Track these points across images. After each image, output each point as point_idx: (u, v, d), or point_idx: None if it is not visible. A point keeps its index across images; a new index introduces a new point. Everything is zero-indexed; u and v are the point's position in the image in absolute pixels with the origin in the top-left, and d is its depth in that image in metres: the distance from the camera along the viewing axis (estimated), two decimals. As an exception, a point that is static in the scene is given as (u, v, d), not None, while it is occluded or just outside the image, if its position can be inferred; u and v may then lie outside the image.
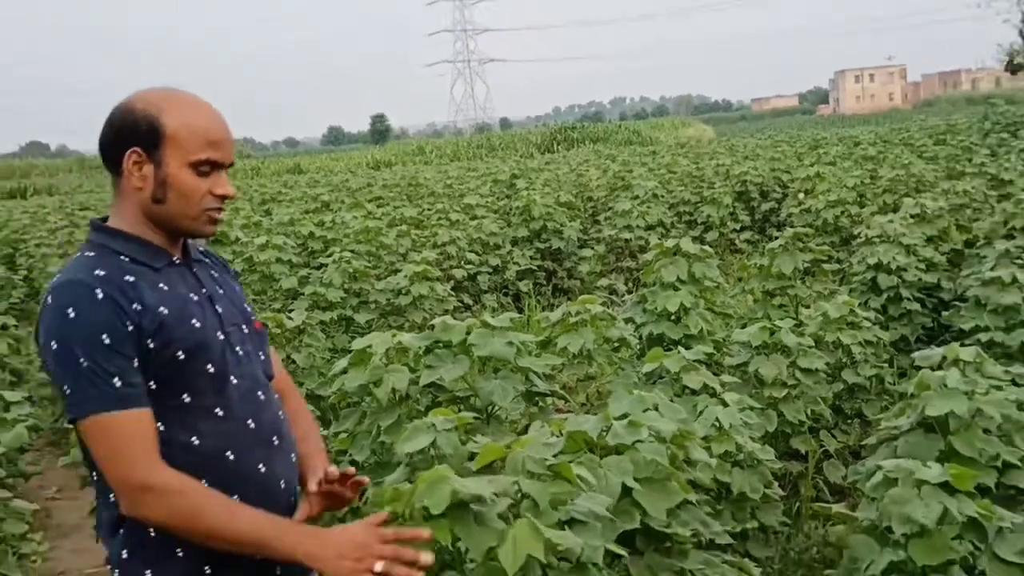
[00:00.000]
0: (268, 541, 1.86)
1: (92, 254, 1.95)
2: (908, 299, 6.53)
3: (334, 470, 2.11)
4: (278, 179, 31.57)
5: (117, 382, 1.84)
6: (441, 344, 3.86)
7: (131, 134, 1.95)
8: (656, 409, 3.07)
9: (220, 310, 2.04)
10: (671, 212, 12.43)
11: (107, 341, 1.84)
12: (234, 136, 2.09)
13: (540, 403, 4.02)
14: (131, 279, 1.91)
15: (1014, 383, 3.63)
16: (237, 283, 2.23)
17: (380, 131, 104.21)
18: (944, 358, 3.74)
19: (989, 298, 5.41)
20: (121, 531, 1.94)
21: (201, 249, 2.20)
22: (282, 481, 2.04)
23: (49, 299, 1.88)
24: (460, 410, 3.55)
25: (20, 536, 4.48)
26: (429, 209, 12.77)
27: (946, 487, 2.65)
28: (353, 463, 3.46)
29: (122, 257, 1.95)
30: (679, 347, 4.49)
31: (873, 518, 2.77)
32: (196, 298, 2.00)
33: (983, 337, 5.20)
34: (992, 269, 5.63)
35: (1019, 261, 5.74)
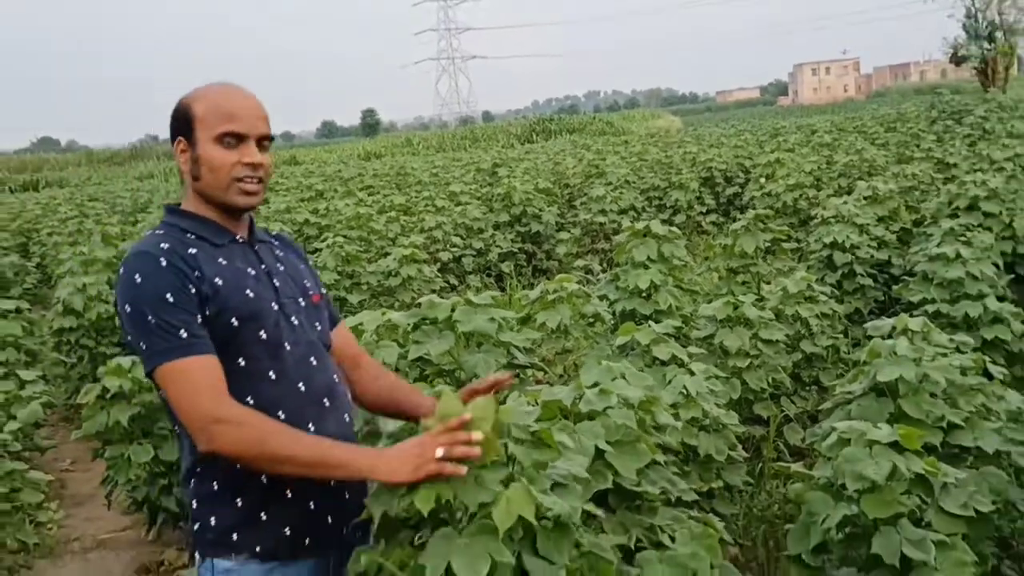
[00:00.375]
0: (329, 459, 1.91)
1: (161, 231, 2.08)
2: (861, 275, 6.56)
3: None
4: (275, 170, 31.36)
5: (183, 333, 1.93)
6: (428, 321, 3.86)
7: (176, 125, 2.09)
8: (623, 378, 3.07)
9: (277, 284, 2.13)
10: (642, 197, 12.44)
11: (171, 299, 1.94)
12: (266, 112, 2.13)
13: (520, 375, 4.02)
14: (193, 251, 2.02)
15: (958, 350, 3.65)
16: (303, 262, 2.32)
17: (370, 124, 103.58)
18: (894, 328, 3.76)
19: (935, 272, 5.43)
20: (192, 481, 2.05)
21: (274, 233, 2.33)
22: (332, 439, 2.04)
23: (122, 270, 2.00)
24: (446, 382, 3.55)
25: (36, 505, 4.45)
26: (416, 196, 12.75)
27: (895, 446, 2.66)
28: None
29: (188, 234, 2.06)
30: (649, 321, 4.49)
31: (828, 476, 2.78)
32: (253, 272, 2.09)
33: (930, 309, 5.22)
34: (938, 246, 5.65)
35: (963, 239, 5.76)
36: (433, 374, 3.78)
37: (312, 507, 2.06)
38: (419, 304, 3.94)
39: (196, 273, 1.98)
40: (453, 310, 3.84)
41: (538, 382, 4.54)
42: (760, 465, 4.60)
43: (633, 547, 2.69)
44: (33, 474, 4.32)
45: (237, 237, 2.13)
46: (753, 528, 4.14)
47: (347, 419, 2.17)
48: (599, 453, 2.65)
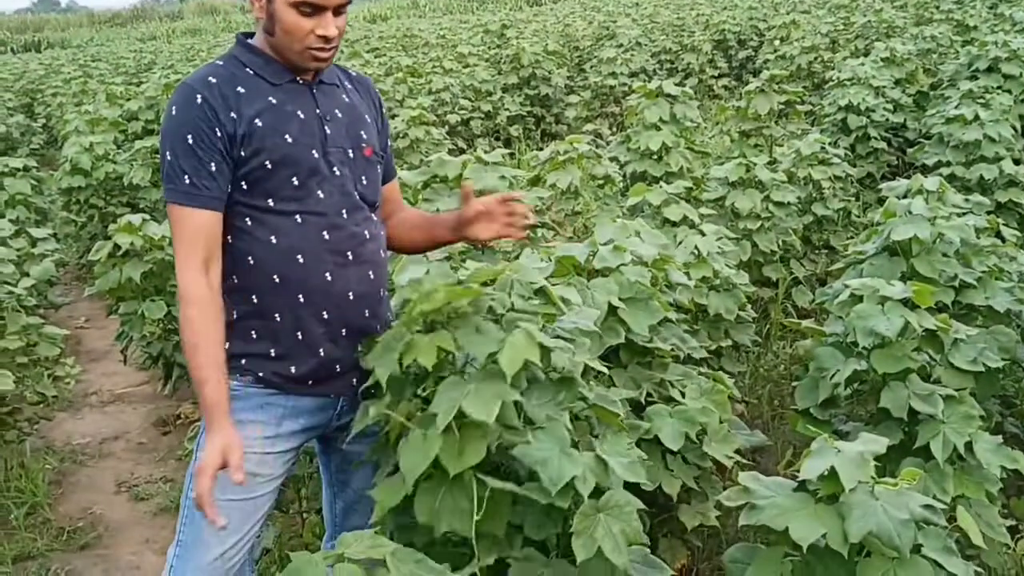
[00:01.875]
0: (199, 384, 1.96)
1: (220, 63, 2.06)
2: (875, 138, 6.44)
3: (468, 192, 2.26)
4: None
5: (187, 179, 1.95)
6: (438, 179, 3.80)
7: None
8: (638, 236, 3.04)
9: (328, 131, 2.07)
10: (653, 60, 12.14)
11: (190, 140, 1.95)
12: None
13: (531, 234, 3.98)
14: (242, 90, 2.00)
15: (972, 212, 3.60)
16: (374, 112, 2.23)
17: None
18: (909, 188, 3.70)
19: (952, 135, 5.32)
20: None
21: (355, 74, 2.27)
22: (350, 294, 2.07)
23: (171, 97, 2.03)
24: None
25: (54, 359, 4.50)
26: (424, 59, 12.44)
27: (907, 303, 2.65)
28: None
29: (247, 69, 2.04)
30: (660, 183, 4.43)
31: (839, 332, 2.79)
32: (303, 116, 2.04)
33: (944, 172, 5.13)
34: (955, 108, 5.52)
35: (981, 101, 5.62)
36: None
37: (321, 353, 2.07)
38: (428, 162, 3.87)
39: (232, 114, 1.97)
40: (464, 168, 3.77)
41: (548, 243, 4.51)
42: (768, 326, 4.62)
43: (643, 401, 2.72)
44: (49, 328, 4.35)
45: (297, 78, 2.07)
46: (759, 387, 4.19)
47: (371, 276, 2.12)
48: (612, 309, 2.64)
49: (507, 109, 10.17)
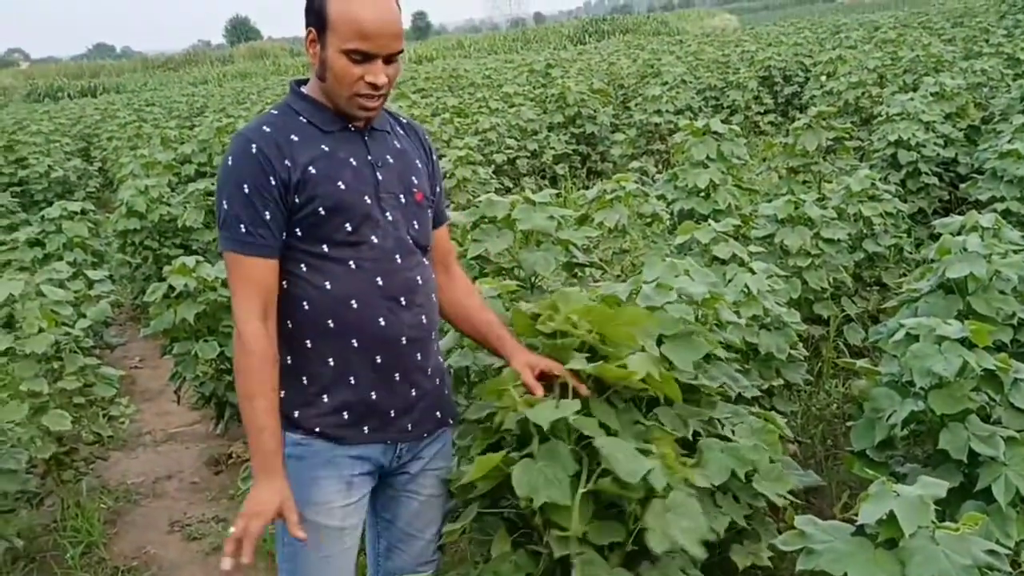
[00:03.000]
0: (251, 432, 2.01)
1: (275, 112, 2.11)
2: (926, 173, 6.36)
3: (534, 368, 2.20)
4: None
5: (242, 228, 2.00)
6: (487, 219, 3.82)
7: (310, 14, 2.04)
8: (687, 274, 3.03)
9: (380, 177, 2.10)
10: (698, 97, 12.15)
11: (246, 190, 1.99)
12: (401, 26, 2.05)
13: (579, 273, 3.99)
14: (295, 138, 2.04)
15: (1029, 248, 3.54)
16: (424, 158, 2.26)
17: (421, 28, 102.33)
18: (963, 225, 3.65)
19: (1006, 170, 5.25)
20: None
21: (405, 120, 2.29)
22: (403, 338, 2.11)
23: (228, 147, 2.09)
24: (504, 280, 3.54)
25: (109, 399, 4.58)
26: (470, 98, 12.58)
27: (965, 342, 2.60)
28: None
29: (300, 117, 2.08)
30: (708, 221, 4.42)
31: (894, 372, 2.74)
32: (355, 163, 2.08)
33: (999, 207, 5.05)
34: (1008, 142, 5.45)
35: (1035, 135, 5.54)
36: (492, 272, 3.77)
37: (373, 397, 2.10)
38: (478, 203, 3.90)
39: (286, 161, 2.01)
40: (512, 208, 3.80)
41: (596, 281, 4.51)
42: (819, 364, 4.56)
43: (691, 439, 2.69)
44: (105, 369, 4.43)
45: (350, 126, 2.11)
46: (812, 426, 4.13)
47: (423, 321, 2.15)
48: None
49: (553, 148, 10.22)
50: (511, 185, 9.45)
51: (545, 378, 2.18)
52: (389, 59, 2.03)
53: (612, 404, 2.19)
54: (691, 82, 12.53)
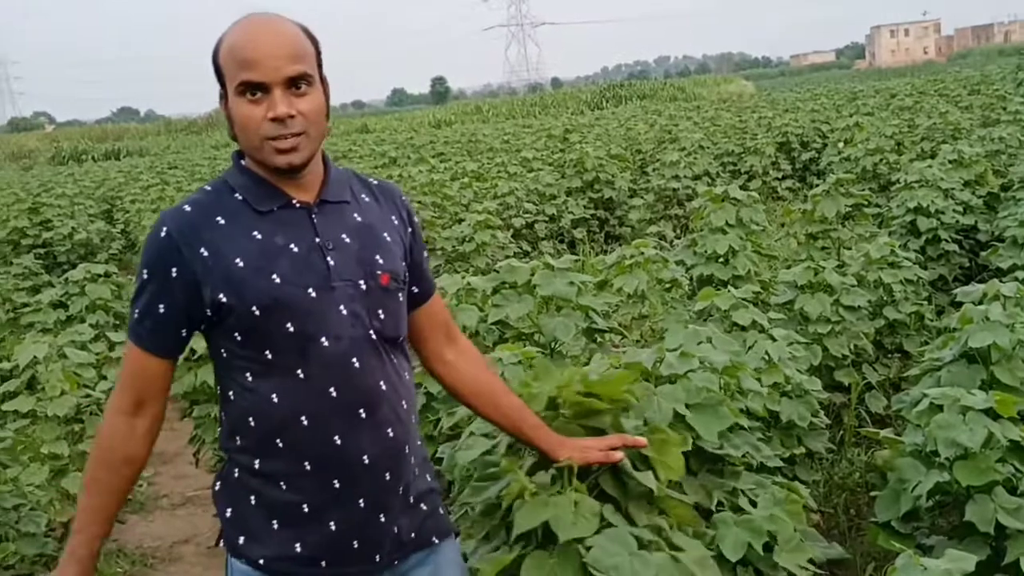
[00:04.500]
0: (72, 534, 1.84)
1: (209, 188, 1.82)
2: (946, 240, 6.38)
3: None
4: (347, 138, 31.63)
5: (136, 314, 1.77)
6: (507, 285, 3.86)
7: (215, 75, 1.78)
8: (710, 342, 3.04)
9: (331, 262, 1.76)
10: (716, 162, 12.26)
11: (145, 276, 1.75)
12: (297, 47, 1.73)
13: (599, 339, 4.01)
14: (221, 221, 1.74)
15: (1052, 317, 3.53)
16: (404, 226, 1.93)
17: (440, 92, 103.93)
18: (985, 294, 3.65)
19: (1026, 237, 5.26)
20: (223, 464, 1.91)
21: (375, 183, 1.96)
22: (365, 456, 1.77)
23: None
24: (525, 346, 3.56)
25: (128, 462, 4.60)
26: (488, 163, 12.74)
27: (990, 413, 2.60)
28: (428, 395, 3.48)
29: (235, 195, 1.78)
30: (728, 287, 4.44)
31: (919, 443, 2.73)
32: (296, 249, 1.75)
33: (1020, 275, 5.05)
34: (1029, 210, 5.47)
35: (1055, 202, 5.56)
36: (512, 337, 3.79)
37: (332, 528, 1.78)
38: (498, 268, 3.94)
39: (202, 250, 1.72)
40: (532, 274, 3.83)
41: (615, 347, 4.53)
42: (841, 432, 4.53)
43: (714, 509, 2.68)
44: (125, 432, 4.46)
45: (293, 201, 1.78)
46: (834, 495, 4.09)
47: (390, 435, 1.81)
48: (678, 416, 2.63)
49: (571, 212, 10.30)
50: (529, 249, 9.52)
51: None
52: (293, 86, 1.71)
53: (619, 479, 2.11)
54: (708, 148, 12.66)
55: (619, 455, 2.03)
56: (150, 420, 1.82)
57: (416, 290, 1.98)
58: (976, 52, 77.14)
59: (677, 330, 3.16)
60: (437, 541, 1.93)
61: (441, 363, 2.06)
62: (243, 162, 1.81)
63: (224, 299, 1.70)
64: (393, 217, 1.91)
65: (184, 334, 1.79)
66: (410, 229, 1.95)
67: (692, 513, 2.17)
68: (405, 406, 1.86)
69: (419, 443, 1.93)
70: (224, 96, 1.75)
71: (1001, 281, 3.83)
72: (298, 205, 1.78)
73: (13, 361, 4.53)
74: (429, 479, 1.96)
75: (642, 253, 4.89)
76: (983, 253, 5.95)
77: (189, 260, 1.71)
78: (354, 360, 1.77)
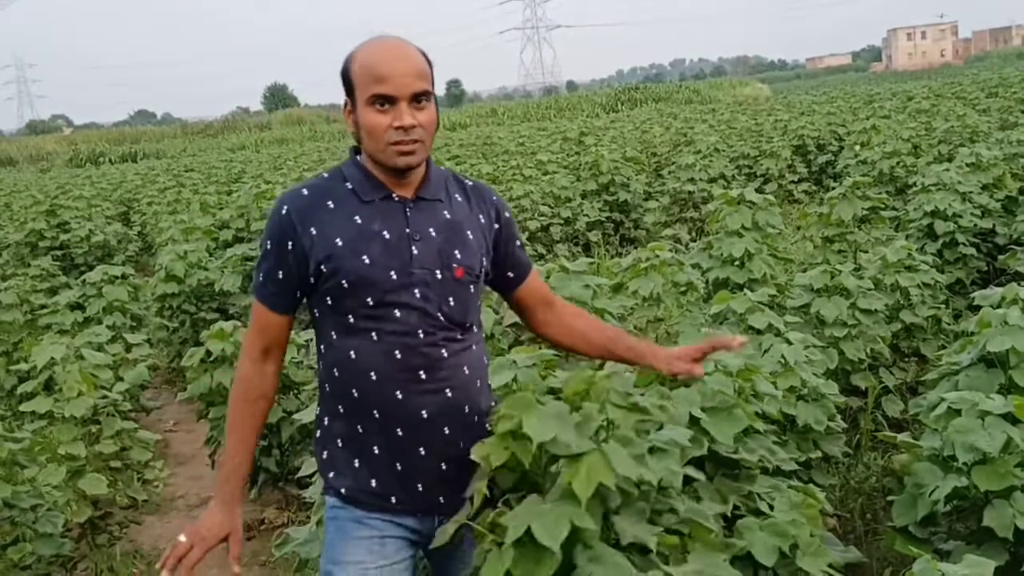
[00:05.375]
0: (225, 462, 2.17)
1: (325, 175, 2.16)
2: (964, 244, 6.34)
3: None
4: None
5: (260, 277, 2.12)
6: (522, 288, 3.85)
7: (343, 86, 2.09)
8: (725, 346, 3.02)
9: (415, 251, 2.06)
10: (732, 165, 12.22)
11: (268, 246, 2.09)
12: (421, 67, 2.05)
13: (615, 342, 3.99)
14: (331, 204, 2.08)
15: (1072, 321, 3.51)
16: (490, 223, 2.21)
17: (455, 95, 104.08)
18: (1003, 298, 3.62)
19: (1045, 241, 5.22)
20: (316, 414, 2.24)
21: (471, 183, 2.25)
22: (424, 411, 2.06)
23: None
24: (540, 349, 3.56)
25: (144, 463, 4.62)
26: (504, 166, 12.74)
27: (1009, 418, 2.58)
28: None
29: (347, 183, 2.10)
30: (744, 290, 4.43)
31: (936, 447, 2.71)
32: (388, 235, 2.06)
33: (1038, 279, 5.02)
34: (1048, 214, 5.43)
35: (1074, 206, 5.52)
36: (528, 339, 3.79)
37: (399, 468, 2.09)
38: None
39: (312, 229, 2.05)
40: (548, 277, 3.83)
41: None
42: (858, 436, 4.51)
43: (731, 514, 2.67)
44: (141, 433, 4.48)
45: (393, 195, 2.09)
46: (851, 500, 4.06)
47: (449, 395, 2.09)
48: (694, 420, 2.63)
49: (586, 215, 10.29)
50: (544, 252, 9.52)
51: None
52: (416, 101, 2.02)
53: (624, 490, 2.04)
54: (724, 150, 12.63)
55: (700, 370, 2.26)
56: (276, 364, 2.18)
57: (511, 275, 2.30)
58: (994, 55, 76.72)
59: (691, 333, 3.16)
60: None
61: (544, 325, 2.38)
62: (359, 158, 2.14)
63: (324, 269, 2.04)
64: (481, 216, 2.20)
65: (299, 295, 2.12)
66: (497, 225, 2.23)
67: (713, 537, 2.14)
68: (467, 372, 2.13)
69: (488, 405, 2.19)
70: (349, 105, 2.08)
71: (1020, 285, 3.80)
72: (396, 199, 2.10)
73: (31, 362, 4.57)
74: None
75: (657, 256, 4.88)
76: (1001, 257, 5.91)
77: (301, 235, 2.05)
78: (420, 332, 2.07)
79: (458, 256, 2.11)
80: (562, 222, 10.03)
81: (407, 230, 2.07)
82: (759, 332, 3.92)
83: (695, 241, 8.30)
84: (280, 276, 2.08)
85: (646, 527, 2.04)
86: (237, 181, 16.95)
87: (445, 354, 2.09)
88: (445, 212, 2.14)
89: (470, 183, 2.25)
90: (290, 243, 2.05)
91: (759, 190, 10.15)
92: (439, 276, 2.08)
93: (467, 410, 2.12)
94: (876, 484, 4.17)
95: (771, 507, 2.65)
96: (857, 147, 11.13)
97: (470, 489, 2.01)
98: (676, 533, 2.19)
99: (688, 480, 2.42)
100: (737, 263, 5.34)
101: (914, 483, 2.71)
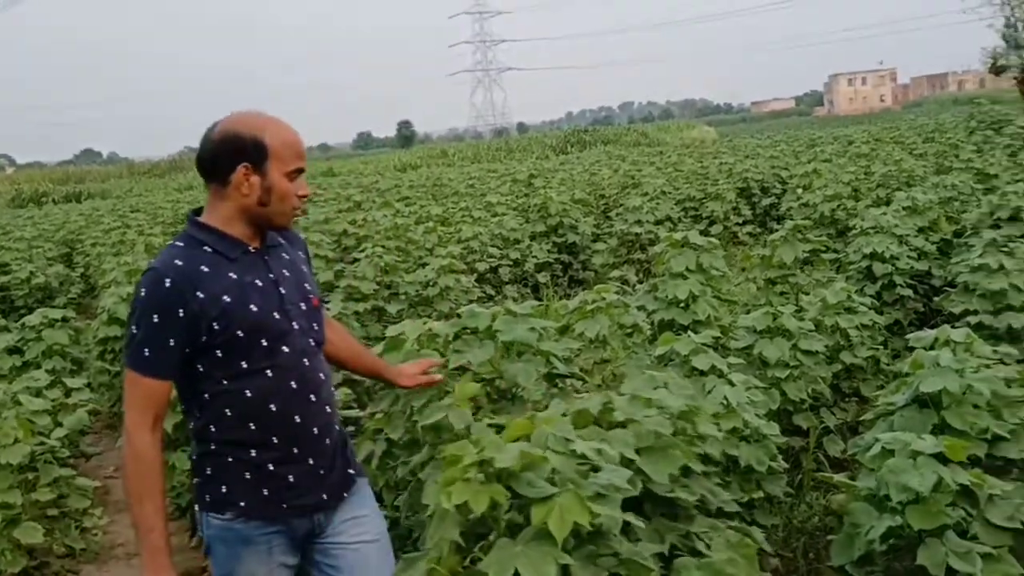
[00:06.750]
0: (147, 534, 2.26)
1: (181, 244, 2.36)
2: (901, 286, 6.49)
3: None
4: (312, 181, 31.45)
5: (146, 351, 2.26)
6: (468, 330, 3.87)
7: (240, 152, 2.33)
8: (666, 387, 3.07)
9: (283, 291, 2.39)
10: (678, 207, 12.39)
11: (155, 319, 2.25)
12: None
13: (560, 384, 4.02)
14: (205, 269, 2.29)
15: (1002, 362, 3.61)
16: (306, 262, 2.59)
17: (406, 136, 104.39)
18: (936, 339, 3.72)
19: (978, 284, 5.37)
20: (195, 441, 2.45)
21: (284, 232, 2.55)
22: (315, 428, 2.42)
23: (140, 280, 2.34)
24: (487, 391, 3.57)
25: (83, 511, 4.53)
26: (453, 207, 12.79)
27: (940, 457, 2.64)
28: (388, 441, 3.48)
29: (204, 247, 2.33)
30: (688, 332, 4.48)
31: (872, 487, 2.77)
32: (261, 284, 2.36)
33: (972, 320, 5.16)
34: (980, 256, 5.59)
35: (1005, 249, 5.69)
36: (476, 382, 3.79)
37: (291, 479, 2.40)
38: (459, 313, 3.95)
39: (199, 294, 2.27)
40: (494, 320, 3.85)
41: (576, 392, 4.55)
42: (800, 476, 4.57)
43: (668, 554, 2.69)
44: (80, 480, 4.40)
45: (250, 248, 2.39)
46: (793, 539, 4.11)
47: (328, 410, 2.49)
48: (628, 462, 2.65)
49: (535, 256, 10.35)
50: (493, 293, 9.55)
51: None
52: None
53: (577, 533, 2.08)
54: (671, 193, 12.82)
55: (412, 382, 3.06)
56: (160, 433, 2.34)
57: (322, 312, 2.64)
58: (931, 100, 78.97)
59: (635, 375, 3.20)
60: (354, 474, 2.60)
61: (328, 345, 2.68)
62: (201, 220, 2.39)
63: (216, 326, 2.27)
64: (301, 253, 2.59)
65: (185, 357, 2.30)
66: (310, 263, 2.64)
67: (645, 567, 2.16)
68: (332, 389, 2.57)
69: (337, 410, 2.59)
70: (249, 168, 2.32)
71: (953, 326, 3.91)
72: (252, 251, 2.40)
73: (-34, 408, 4.46)
74: (345, 435, 2.63)
75: (603, 298, 4.93)
76: (936, 298, 6.07)
77: (190, 301, 2.25)
78: (305, 360, 2.42)
79: (308, 288, 2.51)
80: (511, 263, 10.08)
81: (271, 275, 2.40)
82: (703, 373, 3.97)
83: (642, 282, 8.38)
84: (171, 344, 2.26)
85: (593, 570, 2.07)
86: (184, 222, 16.75)
87: (322, 376, 2.49)
88: (284, 255, 2.50)
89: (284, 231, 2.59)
90: (180, 311, 2.24)
91: (705, 232, 10.35)
92: (303, 308, 2.45)
93: (335, 420, 2.55)
94: (819, 523, 4.22)
95: (708, 547, 2.69)
96: (799, 190, 11.37)
97: (432, 536, 2.09)
98: (616, 576, 2.22)
99: (627, 522, 2.44)
100: (682, 305, 5.41)
101: (851, 522, 2.76)
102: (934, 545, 2.55)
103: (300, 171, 2.39)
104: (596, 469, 2.31)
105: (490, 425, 2.51)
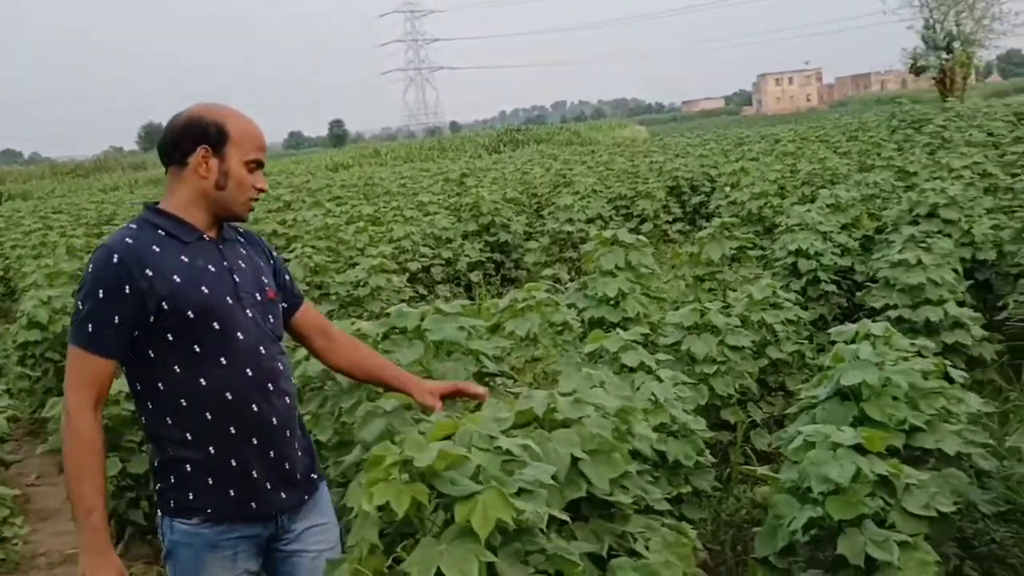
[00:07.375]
0: (87, 515, 2.23)
1: (134, 226, 2.35)
2: (825, 281, 6.64)
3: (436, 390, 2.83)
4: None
5: (90, 327, 2.24)
6: (397, 330, 3.86)
7: (202, 135, 2.35)
8: (602, 386, 3.10)
9: (237, 279, 2.40)
10: (609, 206, 12.50)
11: (101, 295, 2.23)
12: None
13: (491, 383, 4.02)
14: (156, 249, 2.29)
15: (919, 355, 3.71)
16: (267, 260, 2.58)
17: (338, 135, 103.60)
18: (857, 333, 3.81)
19: (897, 279, 5.51)
20: (152, 445, 2.40)
21: (242, 230, 2.59)
22: (274, 419, 2.40)
23: (90, 256, 2.33)
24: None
25: (2, 520, 4.40)
26: (385, 207, 12.72)
27: (859, 449, 2.70)
28: (317, 443, 3.44)
29: (159, 231, 2.33)
30: (618, 329, 4.52)
31: (794, 478, 2.82)
32: (214, 269, 2.36)
33: (892, 314, 5.30)
34: (899, 252, 5.74)
35: (923, 245, 5.85)
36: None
37: (254, 475, 2.37)
38: (388, 313, 3.94)
39: (148, 271, 2.25)
40: (423, 319, 3.84)
41: (508, 390, 4.56)
42: (728, 470, 4.64)
43: (606, 555, 2.71)
44: (-1, 489, 4.27)
45: (204, 236, 2.39)
46: (722, 532, 4.18)
47: (288, 402, 2.46)
48: (574, 461, 2.66)
49: (467, 256, 10.35)
50: (426, 293, 9.52)
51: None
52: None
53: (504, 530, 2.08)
54: (602, 191, 12.92)
55: (439, 405, 2.77)
56: (101, 411, 2.31)
57: (286, 304, 2.64)
58: (855, 100, 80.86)
59: (571, 374, 3.21)
60: (316, 478, 2.59)
61: (323, 352, 2.78)
62: (160, 207, 2.39)
63: (166, 306, 2.25)
64: (262, 252, 2.59)
65: (133, 338, 2.27)
66: (272, 262, 2.62)
67: (579, 572, 2.17)
68: (293, 382, 2.54)
69: (297, 405, 2.56)
70: (209, 151, 2.35)
71: (874, 320, 4.00)
72: (208, 239, 2.41)
73: None
74: (306, 432, 2.63)
75: (534, 296, 4.95)
76: (859, 293, 6.21)
77: (138, 278, 2.23)
78: (261, 348, 2.39)
79: (265, 281, 2.50)
80: (443, 263, 10.06)
81: (224, 263, 2.40)
82: (632, 370, 4.01)
83: (574, 280, 8.44)
84: (117, 321, 2.23)
85: (521, 568, 2.07)
86: (108, 223, 16.40)
87: (280, 367, 2.46)
88: (241, 249, 2.51)
89: (242, 229, 2.61)
90: (127, 287, 2.22)
91: (635, 230, 10.46)
92: (258, 298, 2.44)
93: (297, 414, 2.53)
94: (746, 516, 4.29)
95: (646, 547, 2.71)
96: (727, 188, 11.56)
97: (353, 537, 2.04)
98: (544, 574, 2.23)
99: (563, 521, 2.45)
100: (611, 302, 5.46)
101: (775, 514, 2.81)
102: (853, 535, 2.61)
103: (259, 164, 2.42)
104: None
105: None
